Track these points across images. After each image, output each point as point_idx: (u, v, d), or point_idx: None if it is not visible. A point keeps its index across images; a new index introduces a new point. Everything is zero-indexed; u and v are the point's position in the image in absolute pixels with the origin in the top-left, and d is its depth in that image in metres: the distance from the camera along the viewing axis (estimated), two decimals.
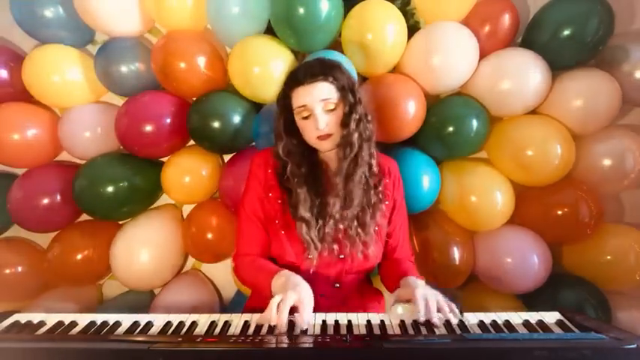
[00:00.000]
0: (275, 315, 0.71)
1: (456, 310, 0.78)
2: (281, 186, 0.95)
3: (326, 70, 0.89)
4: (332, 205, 0.93)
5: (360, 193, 0.92)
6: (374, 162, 0.95)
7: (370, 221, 0.93)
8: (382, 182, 0.98)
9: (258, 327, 0.76)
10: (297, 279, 0.81)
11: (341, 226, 0.94)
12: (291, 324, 0.74)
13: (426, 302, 0.76)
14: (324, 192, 0.94)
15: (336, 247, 0.93)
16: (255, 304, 1.00)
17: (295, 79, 0.90)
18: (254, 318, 0.79)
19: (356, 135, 0.90)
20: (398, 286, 0.88)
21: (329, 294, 0.96)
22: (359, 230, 0.93)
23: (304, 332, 0.73)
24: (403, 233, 1.04)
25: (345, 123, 0.90)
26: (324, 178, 0.96)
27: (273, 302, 0.73)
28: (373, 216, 0.94)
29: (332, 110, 0.89)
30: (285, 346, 0.67)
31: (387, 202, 0.98)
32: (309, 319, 0.72)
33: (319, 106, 0.88)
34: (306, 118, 0.89)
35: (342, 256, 0.95)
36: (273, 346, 0.67)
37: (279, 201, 0.95)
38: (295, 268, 0.91)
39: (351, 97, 0.90)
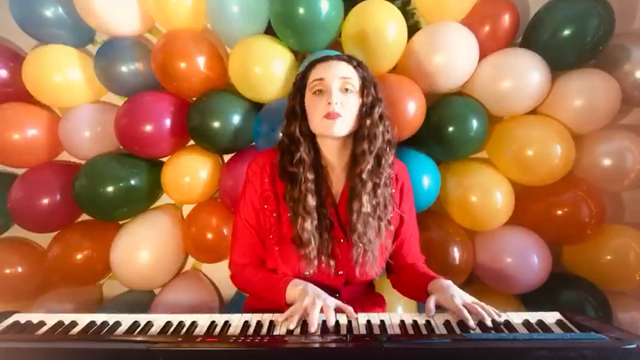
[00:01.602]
0: (316, 319, 0.73)
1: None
2: (283, 175, 0.88)
3: (352, 57, 0.88)
4: (332, 212, 0.91)
5: (375, 208, 0.88)
6: (392, 172, 0.91)
7: (375, 240, 0.88)
8: (392, 201, 0.92)
9: (258, 327, 0.76)
10: (317, 288, 0.82)
11: (341, 240, 0.90)
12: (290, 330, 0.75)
13: (473, 310, 0.75)
14: (326, 195, 0.90)
15: (332, 262, 0.88)
16: (255, 304, 0.99)
17: (318, 58, 0.88)
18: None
19: (380, 129, 0.85)
20: (422, 290, 0.86)
21: None
22: (364, 248, 0.88)
23: (304, 332, 0.73)
24: (414, 239, 1.01)
25: (366, 113, 0.85)
26: (326, 182, 0.92)
27: (301, 305, 0.75)
28: (378, 235, 0.89)
29: (349, 92, 0.84)
30: (285, 346, 0.67)
31: (392, 214, 0.92)
32: (332, 322, 0.74)
33: (337, 83, 0.83)
34: (318, 92, 0.84)
35: (340, 273, 0.92)
36: (273, 346, 0.67)
37: (275, 214, 0.90)
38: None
39: (374, 92, 0.87)
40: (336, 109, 0.82)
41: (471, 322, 0.73)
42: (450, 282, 0.85)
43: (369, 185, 0.86)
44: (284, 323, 0.75)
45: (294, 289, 0.83)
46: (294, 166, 0.86)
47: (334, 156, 0.91)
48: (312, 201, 0.85)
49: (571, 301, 1.31)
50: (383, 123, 0.88)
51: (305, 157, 0.86)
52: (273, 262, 0.93)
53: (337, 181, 0.93)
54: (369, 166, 0.86)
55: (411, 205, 1.00)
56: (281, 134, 0.92)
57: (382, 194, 0.88)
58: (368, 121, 0.85)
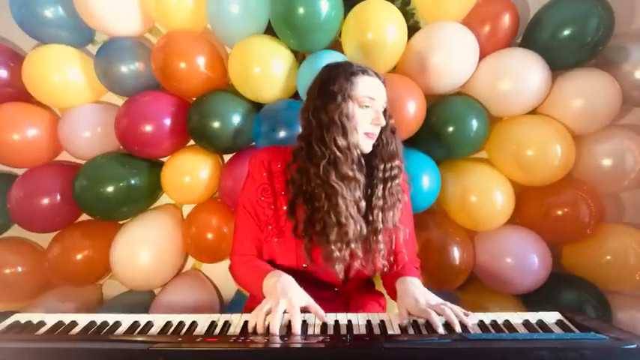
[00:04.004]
0: (261, 323, 0.71)
1: (468, 314, 0.76)
2: (339, 178, 0.85)
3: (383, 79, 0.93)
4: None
5: (381, 213, 0.90)
6: (399, 179, 0.93)
7: (380, 242, 0.90)
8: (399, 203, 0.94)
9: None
10: (287, 283, 0.79)
11: (352, 246, 0.89)
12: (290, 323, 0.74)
13: (440, 311, 0.74)
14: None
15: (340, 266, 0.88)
16: (255, 303, 0.99)
17: (362, 70, 0.89)
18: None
19: (401, 145, 0.94)
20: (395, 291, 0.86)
21: (328, 297, 0.94)
22: (369, 248, 0.89)
23: (304, 332, 0.73)
24: (409, 240, 1.00)
25: (392, 133, 0.92)
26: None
27: (262, 310, 0.72)
28: (383, 236, 0.90)
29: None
30: (285, 346, 0.67)
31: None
32: (298, 328, 0.70)
33: (381, 106, 0.89)
34: (365, 108, 0.87)
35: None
36: (273, 346, 0.67)
37: (272, 207, 0.91)
38: (289, 271, 0.87)
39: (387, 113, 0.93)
40: (376, 132, 0.88)
41: (440, 329, 0.71)
42: (413, 280, 0.85)
43: (397, 195, 0.92)
44: (257, 326, 0.72)
45: (269, 281, 0.82)
46: (352, 171, 0.85)
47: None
48: (358, 192, 0.87)
49: (571, 301, 1.31)
50: (395, 137, 0.94)
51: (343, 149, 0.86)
52: (270, 253, 0.93)
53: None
54: (400, 179, 0.93)
55: (407, 203, 1.00)
56: (333, 142, 0.85)
57: (397, 198, 0.93)
58: (394, 141, 0.92)
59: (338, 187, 0.83)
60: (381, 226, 0.89)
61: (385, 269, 0.93)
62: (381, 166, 0.91)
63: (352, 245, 0.86)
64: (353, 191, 0.86)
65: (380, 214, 0.89)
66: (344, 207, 0.84)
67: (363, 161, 0.90)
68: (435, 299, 0.79)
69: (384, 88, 0.91)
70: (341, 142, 0.84)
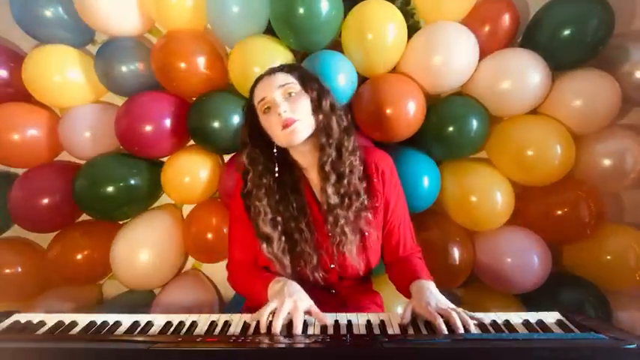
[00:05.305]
0: (265, 322, 0.72)
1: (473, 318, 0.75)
2: (243, 201, 0.91)
3: (283, 66, 0.91)
4: (309, 214, 0.91)
5: (344, 198, 0.87)
6: (357, 160, 0.90)
7: (354, 230, 0.88)
8: (370, 184, 0.92)
9: (258, 327, 0.76)
10: (294, 287, 0.81)
11: (330, 234, 0.90)
12: (291, 324, 0.74)
13: (446, 315, 0.73)
14: (301, 202, 0.91)
15: (315, 259, 0.89)
16: (254, 304, 1.00)
17: (254, 82, 0.91)
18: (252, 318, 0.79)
19: (334, 119, 0.87)
20: (407, 290, 0.86)
21: (325, 300, 0.91)
22: (342, 239, 0.88)
23: (304, 332, 0.73)
24: (404, 228, 0.98)
25: (316, 107, 0.87)
26: (303, 187, 0.93)
27: (266, 309, 0.74)
28: (358, 224, 0.89)
29: (294, 97, 0.85)
30: (285, 346, 0.67)
31: (377, 204, 0.93)
32: (299, 328, 0.72)
33: (278, 93, 0.85)
34: (267, 110, 0.86)
35: (332, 266, 0.92)
36: (273, 346, 0.67)
37: None
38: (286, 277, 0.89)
39: (316, 85, 0.89)
40: (288, 115, 0.83)
41: (444, 330, 0.70)
42: (429, 285, 0.84)
43: (333, 177, 0.87)
44: (260, 323, 0.73)
45: (275, 286, 0.83)
46: (246, 196, 0.90)
47: (308, 159, 0.93)
48: (264, 227, 0.88)
49: (571, 301, 1.31)
50: (335, 112, 0.89)
51: (256, 181, 0.89)
52: (264, 259, 0.93)
53: (316, 180, 0.94)
54: (331, 158, 0.87)
55: (397, 194, 0.97)
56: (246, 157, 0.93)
57: (350, 183, 0.88)
58: (320, 115, 0.87)
59: (255, 197, 0.88)
60: (347, 209, 0.87)
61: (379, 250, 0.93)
62: (322, 147, 0.88)
63: (310, 247, 0.88)
64: (269, 200, 0.88)
65: (329, 198, 0.87)
66: (264, 214, 0.88)
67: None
68: (446, 304, 0.77)
69: (276, 75, 0.88)
70: (244, 157, 0.92)
